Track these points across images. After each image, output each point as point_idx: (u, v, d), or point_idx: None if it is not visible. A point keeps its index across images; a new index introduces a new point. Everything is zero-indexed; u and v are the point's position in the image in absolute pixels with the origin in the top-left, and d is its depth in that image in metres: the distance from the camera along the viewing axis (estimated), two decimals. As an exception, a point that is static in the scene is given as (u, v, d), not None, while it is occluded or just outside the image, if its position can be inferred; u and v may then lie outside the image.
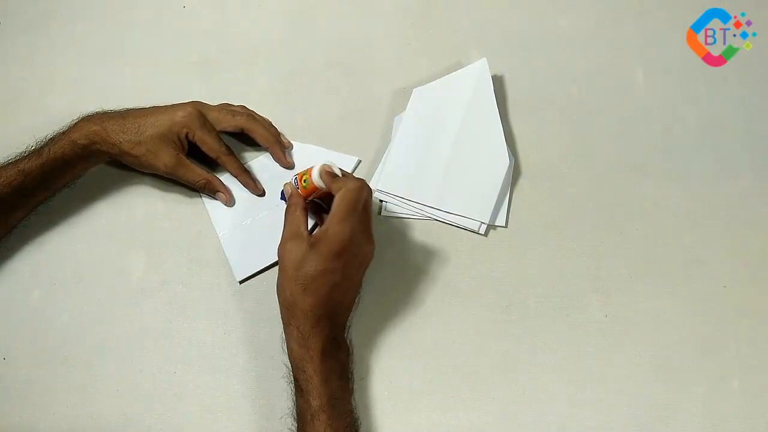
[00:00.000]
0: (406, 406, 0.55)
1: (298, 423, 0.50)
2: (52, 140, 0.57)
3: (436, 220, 0.62)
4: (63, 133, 0.58)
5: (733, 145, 0.64)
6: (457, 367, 0.57)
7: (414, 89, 0.65)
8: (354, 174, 0.62)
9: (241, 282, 0.60)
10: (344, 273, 0.51)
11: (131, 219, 0.62)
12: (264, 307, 0.59)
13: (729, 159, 0.64)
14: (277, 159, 0.63)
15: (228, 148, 0.62)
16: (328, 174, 0.53)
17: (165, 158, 0.59)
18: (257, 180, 0.63)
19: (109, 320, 0.59)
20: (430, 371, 0.56)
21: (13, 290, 0.60)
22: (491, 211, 0.60)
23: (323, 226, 0.51)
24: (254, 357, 0.57)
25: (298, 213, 0.53)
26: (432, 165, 0.62)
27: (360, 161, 0.64)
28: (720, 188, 0.63)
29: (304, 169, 0.55)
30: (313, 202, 0.57)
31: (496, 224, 0.61)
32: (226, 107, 0.63)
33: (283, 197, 0.58)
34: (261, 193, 0.63)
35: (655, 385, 0.56)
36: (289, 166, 0.64)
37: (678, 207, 0.62)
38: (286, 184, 0.57)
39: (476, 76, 0.64)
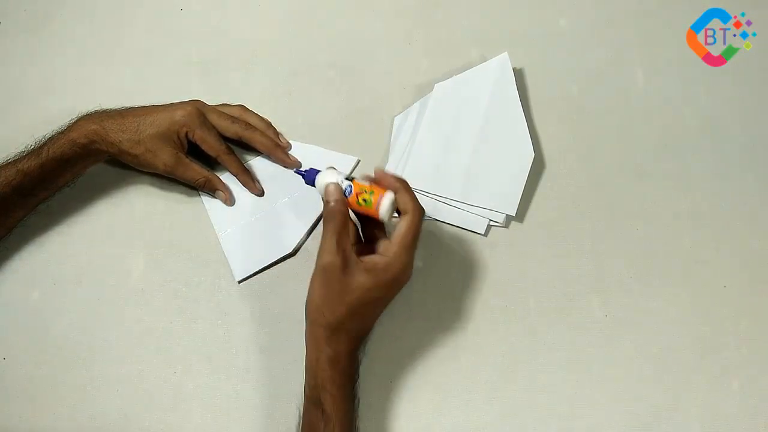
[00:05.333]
0: (406, 406, 0.55)
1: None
2: (51, 140, 0.57)
3: (437, 220, 0.62)
4: (62, 133, 0.58)
5: (733, 145, 0.64)
6: (457, 368, 0.57)
7: (435, 84, 0.65)
8: (352, 174, 0.63)
9: (240, 282, 0.60)
10: (392, 297, 0.52)
11: (131, 219, 0.62)
12: (264, 307, 0.59)
13: (729, 159, 0.64)
14: (281, 162, 0.63)
15: (228, 146, 0.62)
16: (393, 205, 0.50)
17: (164, 157, 0.59)
18: (257, 180, 0.63)
19: (109, 320, 0.59)
20: (430, 371, 0.56)
21: (13, 290, 0.60)
22: (518, 203, 0.61)
23: (385, 251, 0.49)
24: (254, 357, 0.57)
25: (348, 227, 0.50)
26: (456, 159, 0.62)
27: (359, 161, 0.64)
28: (720, 188, 0.63)
29: (363, 181, 0.52)
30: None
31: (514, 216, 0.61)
32: (225, 110, 0.63)
33: (308, 180, 0.54)
34: (260, 193, 0.63)
35: (655, 385, 0.56)
36: (296, 165, 0.64)
37: (678, 207, 0.62)
38: (330, 183, 0.51)
39: (498, 69, 0.65)
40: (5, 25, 0.72)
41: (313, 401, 0.49)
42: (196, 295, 0.60)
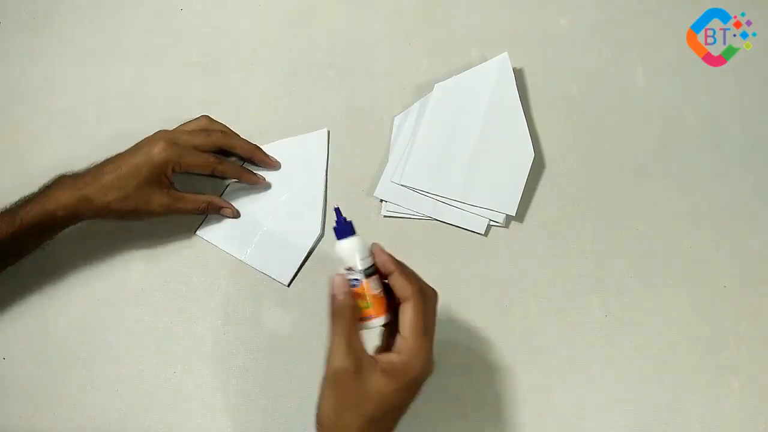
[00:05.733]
0: (406, 406, 0.55)
1: None
2: (24, 208, 0.53)
3: (437, 220, 0.62)
4: (35, 202, 0.54)
5: (733, 145, 0.64)
6: (457, 367, 0.57)
7: (435, 84, 0.65)
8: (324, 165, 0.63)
9: (289, 284, 0.60)
10: (413, 399, 0.44)
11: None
12: (264, 307, 0.59)
13: (729, 159, 0.64)
14: (262, 163, 0.63)
15: (217, 156, 0.60)
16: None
17: (159, 200, 0.57)
18: (258, 174, 0.62)
19: (109, 320, 0.59)
20: (430, 371, 0.56)
21: (13, 290, 0.60)
22: (518, 203, 0.61)
23: (400, 348, 0.43)
24: (254, 357, 0.57)
25: (355, 325, 0.43)
26: (456, 159, 0.62)
27: (329, 132, 0.64)
28: (720, 188, 0.63)
29: (363, 281, 0.44)
30: None
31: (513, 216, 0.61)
32: (191, 126, 0.61)
33: (338, 228, 0.46)
34: (265, 183, 0.62)
35: (655, 385, 0.56)
36: (276, 165, 0.63)
37: (678, 207, 0.62)
38: (336, 275, 0.45)
39: (498, 69, 0.65)
40: (5, 25, 0.72)
41: None
42: (196, 295, 0.60)
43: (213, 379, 0.57)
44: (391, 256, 0.45)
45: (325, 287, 0.58)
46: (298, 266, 0.60)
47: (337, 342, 0.42)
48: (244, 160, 0.63)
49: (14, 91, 0.68)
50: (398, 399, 0.43)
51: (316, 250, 0.61)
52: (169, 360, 0.57)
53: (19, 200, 0.55)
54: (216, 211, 0.61)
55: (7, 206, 0.55)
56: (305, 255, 0.60)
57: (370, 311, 0.44)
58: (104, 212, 0.55)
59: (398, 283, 0.44)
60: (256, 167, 0.63)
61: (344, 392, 0.42)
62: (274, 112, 0.66)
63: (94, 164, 0.56)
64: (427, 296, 0.44)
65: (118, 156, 0.57)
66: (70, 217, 0.54)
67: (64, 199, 0.54)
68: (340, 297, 0.44)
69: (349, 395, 0.42)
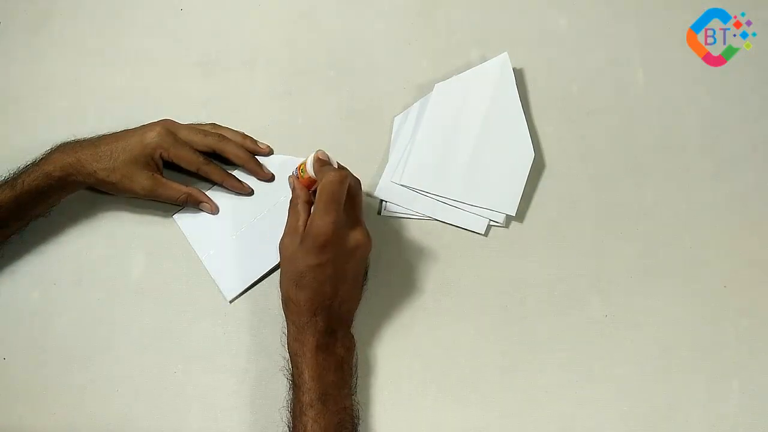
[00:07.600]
0: (406, 406, 0.55)
1: (291, 416, 0.51)
2: (26, 172, 0.56)
3: (437, 220, 0.62)
4: (36, 165, 0.57)
5: (733, 145, 0.64)
6: (457, 367, 0.57)
7: (435, 84, 0.65)
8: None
9: (231, 301, 0.59)
10: (334, 266, 0.51)
11: (131, 218, 0.62)
12: (264, 307, 0.59)
13: (729, 159, 0.64)
14: (254, 174, 0.62)
15: (206, 157, 0.61)
16: (319, 161, 0.53)
17: (141, 181, 0.58)
18: (243, 181, 0.62)
19: (109, 320, 0.59)
20: (430, 371, 0.57)
21: (13, 290, 0.60)
22: (518, 203, 0.61)
23: (309, 220, 0.51)
24: (254, 357, 0.57)
25: (299, 207, 0.53)
26: (456, 159, 0.62)
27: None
28: (720, 188, 0.63)
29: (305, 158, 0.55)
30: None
31: (513, 216, 0.61)
32: (195, 127, 0.62)
33: None
34: (250, 192, 0.62)
35: (655, 385, 0.56)
36: (268, 178, 0.63)
37: (678, 207, 0.62)
38: (289, 176, 0.57)
39: (498, 69, 0.65)
40: (5, 25, 0.71)
41: (290, 379, 0.52)
42: (196, 295, 0.60)
43: (213, 379, 0.57)
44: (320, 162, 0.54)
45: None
46: (246, 287, 0.59)
47: (290, 222, 0.54)
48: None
49: (14, 91, 0.68)
50: (307, 260, 0.50)
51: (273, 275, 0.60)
52: (169, 360, 0.57)
53: (22, 166, 0.58)
54: (195, 204, 0.61)
55: (10, 172, 0.58)
56: (258, 278, 0.59)
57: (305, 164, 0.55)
58: (91, 179, 0.58)
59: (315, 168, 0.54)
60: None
61: (280, 259, 0.54)
62: (274, 112, 0.66)
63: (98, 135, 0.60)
64: (327, 177, 0.50)
65: (120, 132, 0.60)
66: (63, 177, 0.57)
67: (60, 160, 0.57)
68: (294, 190, 0.55)
69: (282, 261, 0.53)
